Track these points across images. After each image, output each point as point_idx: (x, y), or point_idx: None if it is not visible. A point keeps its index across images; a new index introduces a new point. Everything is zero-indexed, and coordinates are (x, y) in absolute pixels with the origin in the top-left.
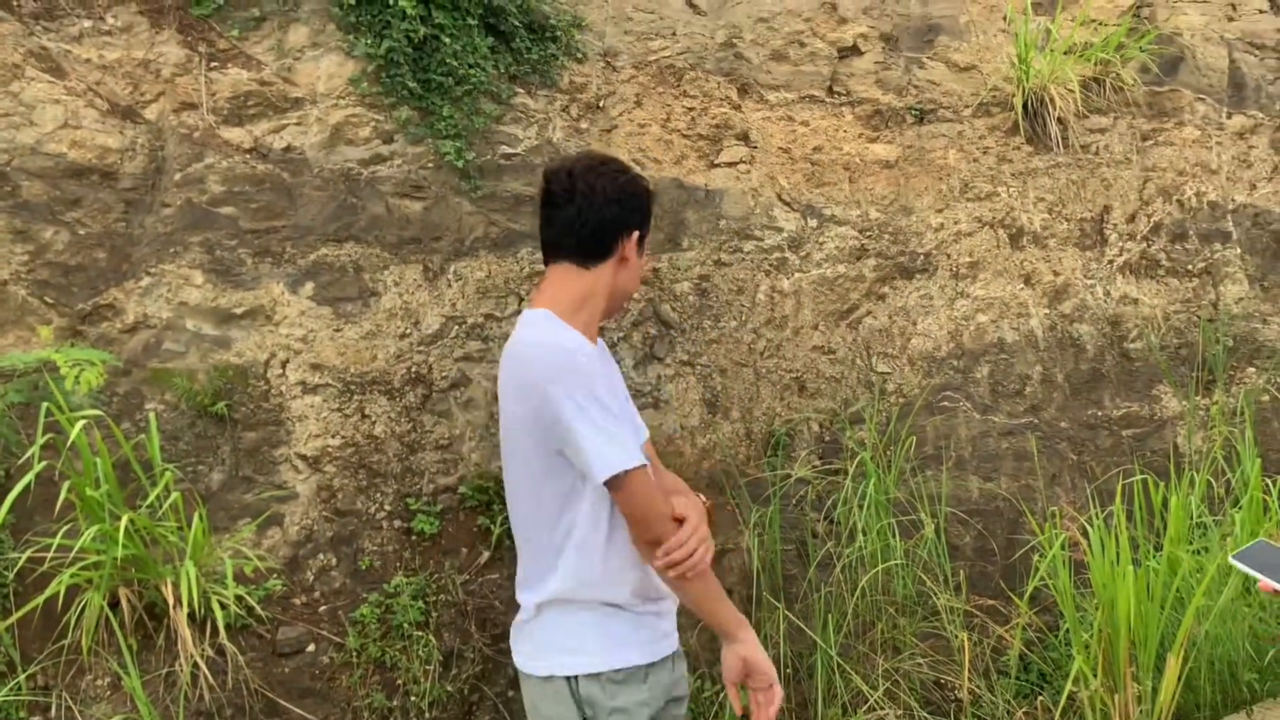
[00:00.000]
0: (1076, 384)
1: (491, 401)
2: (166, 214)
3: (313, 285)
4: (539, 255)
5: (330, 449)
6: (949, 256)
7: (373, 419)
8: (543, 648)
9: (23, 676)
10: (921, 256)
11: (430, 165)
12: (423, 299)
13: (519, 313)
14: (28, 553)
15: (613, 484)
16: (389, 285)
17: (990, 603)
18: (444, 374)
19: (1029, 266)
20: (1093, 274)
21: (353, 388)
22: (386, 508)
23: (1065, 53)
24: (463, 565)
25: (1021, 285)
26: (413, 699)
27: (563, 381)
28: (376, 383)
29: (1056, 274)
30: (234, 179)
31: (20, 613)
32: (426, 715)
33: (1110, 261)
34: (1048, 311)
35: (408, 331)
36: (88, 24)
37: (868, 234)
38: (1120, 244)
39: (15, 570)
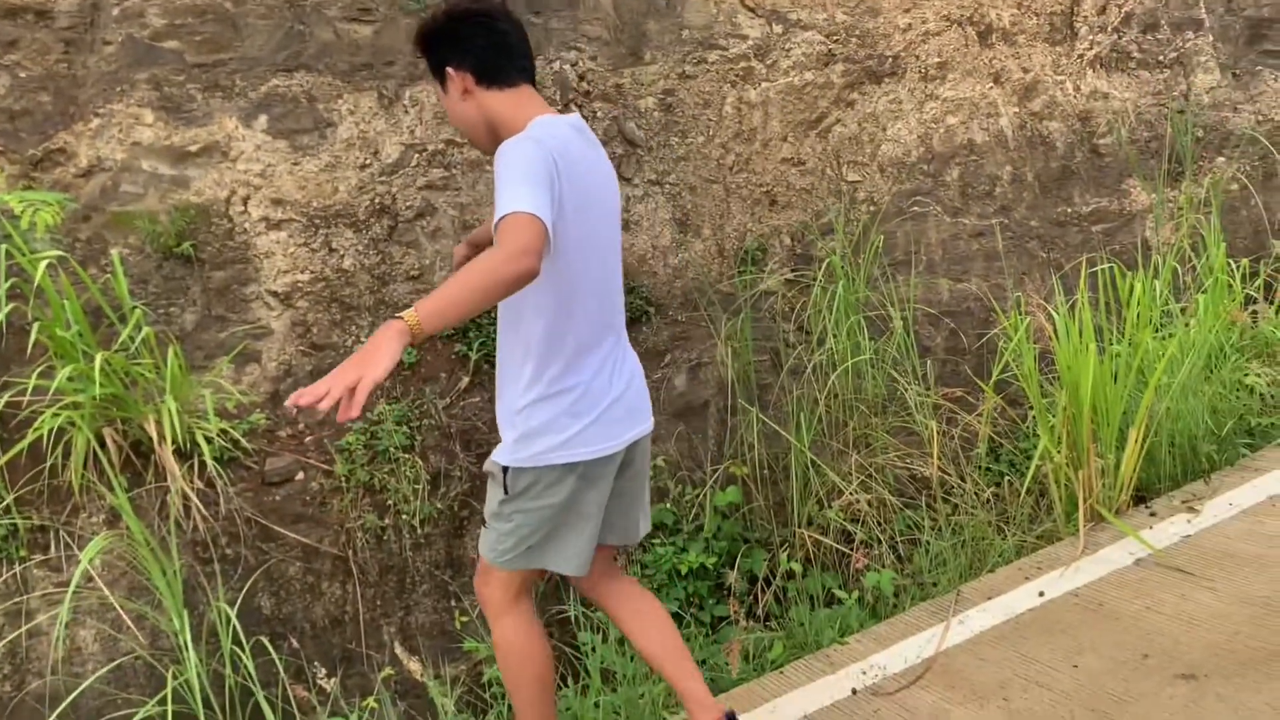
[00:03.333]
0: (1046, 182)
1: (460, 230)
2: (109, 52)
3: (266, 118)
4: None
5: (301, 284)
6: (918, 58)
7: (340, 253)
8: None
9: (17, 514)
10: (890, 59)
11: None
12: (380, 127)
13: None
14: (6, 396)
15: None
16: (344, 115)
17: (960, 393)
18: (408, 204)
19: (998, 65)
20: (1063, 69)
21: (317, 222)
22: (363, 340)
23: None
24: (443, 390)
25: (991, 84)
26: (404, 518)
27: None
28: (341, 215)
29: (1026, 71)
30: (174, 11)
31: (8, 455)
32: (419, 532)
33: (1080, 56)
34: (1017, 110)
35: (368, 162)
36: None
37: (835, 38)
38: (1090, 37)
39: None
